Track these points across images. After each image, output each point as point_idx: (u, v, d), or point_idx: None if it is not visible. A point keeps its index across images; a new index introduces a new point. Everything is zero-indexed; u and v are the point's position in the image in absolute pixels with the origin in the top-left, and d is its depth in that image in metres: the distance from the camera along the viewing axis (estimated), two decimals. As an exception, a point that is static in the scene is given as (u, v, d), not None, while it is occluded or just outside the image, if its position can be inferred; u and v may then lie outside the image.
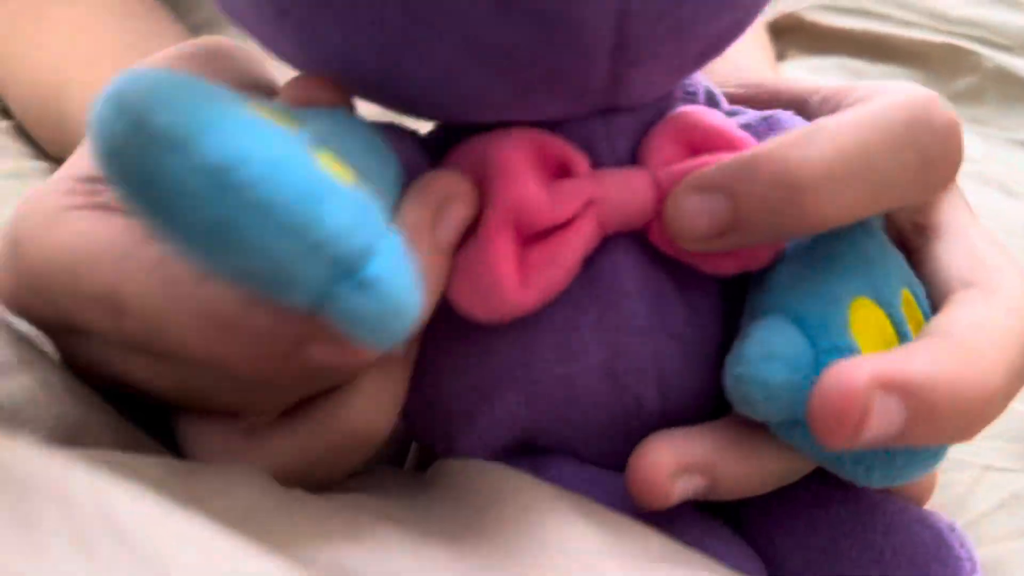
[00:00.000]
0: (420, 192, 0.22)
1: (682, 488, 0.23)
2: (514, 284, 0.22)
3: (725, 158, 0.22)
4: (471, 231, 0.22)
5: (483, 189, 0.22)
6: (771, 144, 0.22)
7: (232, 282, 0.16)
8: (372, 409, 0.22)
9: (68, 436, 0.23)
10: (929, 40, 0.66)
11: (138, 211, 0.16)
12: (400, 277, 0.17)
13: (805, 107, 0.27)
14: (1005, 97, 0.64)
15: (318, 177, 0.16)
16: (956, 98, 0.63)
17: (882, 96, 0.23)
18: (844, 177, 0.21)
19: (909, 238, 0.26)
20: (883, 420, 0.20)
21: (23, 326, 0.26)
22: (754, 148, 0.22)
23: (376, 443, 0.23)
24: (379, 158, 0.21)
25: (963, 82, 0.65)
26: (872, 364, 0.20)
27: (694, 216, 0.22)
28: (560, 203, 0.22)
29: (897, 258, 0.25)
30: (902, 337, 0.23)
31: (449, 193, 0.22)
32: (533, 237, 0.22)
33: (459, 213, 0.22)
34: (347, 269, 0.16)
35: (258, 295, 0.17)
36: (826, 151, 0.21)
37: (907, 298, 0.24)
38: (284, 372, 0.20)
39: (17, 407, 0.23)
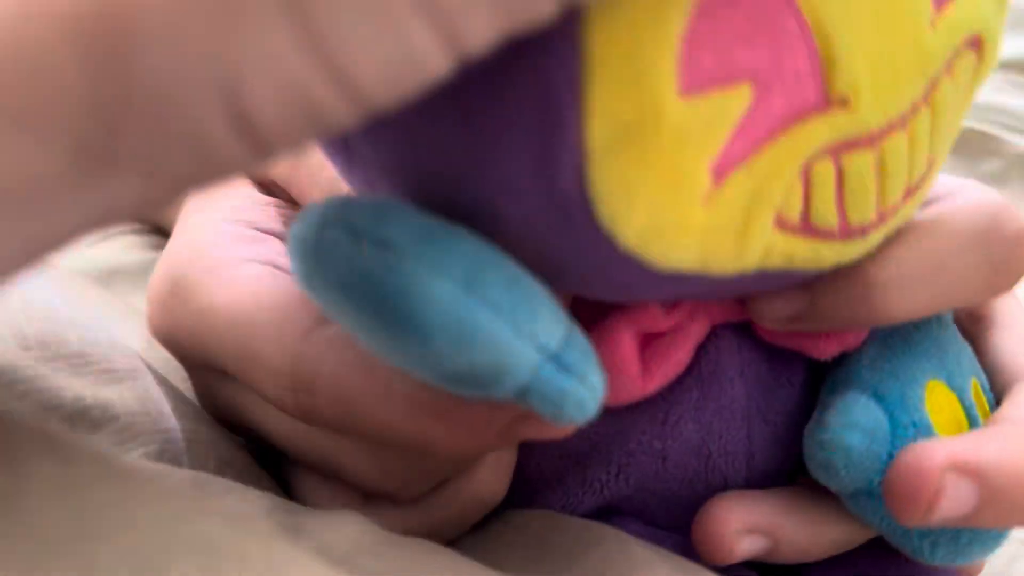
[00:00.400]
0: None
1: (746, 547, 0.24)
2: (638, 376, 0.23)
3: None
4: (596, 326, 0.23)
5: None
6: None
7: (437, 380, 0.18)
8: (494, 477, 0.24)
9: (176, 453, 0.24)
10: (957, 124, 0.68)
11: (366, 329, 0.17)
12: (591, 362, 0.18)
13: None
14: (1028, 180, 0.66)
15: (523, 275, 0.18)
16: (982, 181, 0.65)
17: (955, 199, 0.24)
18: (916, 278, 0.22)
19: (964, 327, 0.28)
20: (955, 501, 0.21)
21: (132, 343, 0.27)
22: None
23: (493, 507, 0.24)
24: None
25: (988, 165, 0.67)
26: (947, 446, 0.21)
27: (772, 300, 0.23)
28: (676, 312, 0.23)
29: (967, 349, 0.26)
30: (971, 421, 0.25)
31: None
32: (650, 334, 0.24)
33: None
34: (553, 355, 0.18)
35: (459, 390, 0.18)
36: (900, 254, 0.22)
37: (976, 388, 0.26)
38: (489, 448, 0.21)
39: (133, 417, 0.24)
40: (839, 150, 0.19)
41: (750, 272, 0.19)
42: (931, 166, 0.21)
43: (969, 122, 0.68)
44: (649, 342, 0.23)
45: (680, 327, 0.24)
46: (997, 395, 0.26)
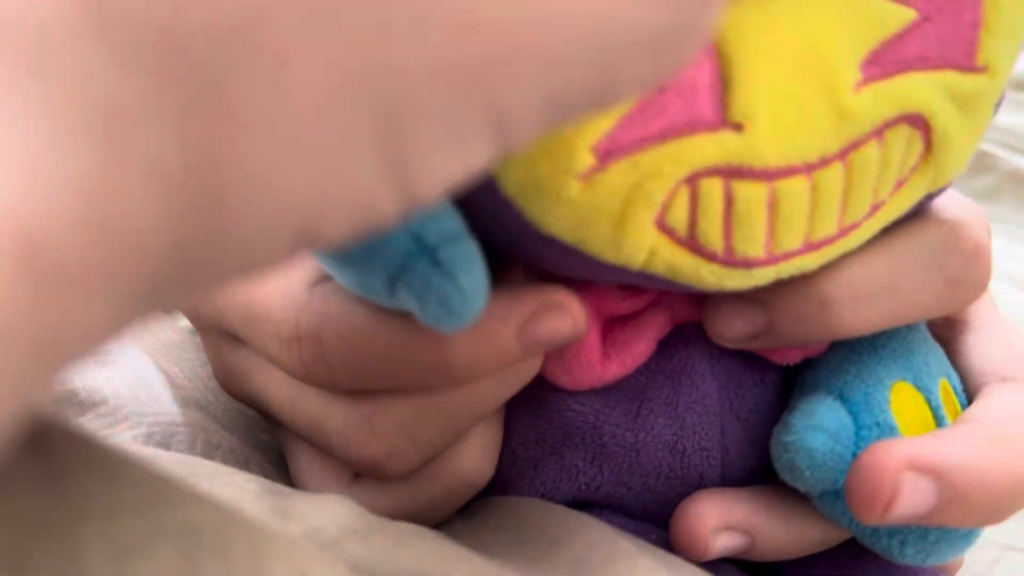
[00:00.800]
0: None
1: (722, 544, 0.24)
2: (598, 359, 0.23)
3: None
4: None
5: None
6: None
7: (328, 253, 0.19)
8: (479, 456, 0.24)
9: (163, 436, 0.24)
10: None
11: None
12: (470, 268, 0.19)
13: None
14: (1020, 196, 0.67)
15: None
16: (975, 196, 0.65)
17: (914, 212, 0.23)
18: (871, 296, 0.22)
19: (939, 331, 0.27)
20: (913, 499, 0.21)
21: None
22: None
23: (479, 488, 0.24)
24: None
25: (982, 181, 0.68)
26: (907, 446, 0.21)
27: (730, 320, 0.23)
28: (634, 296, 0.24)
29: (937, 350, 0.26)
30: (939, 421, 0.25)
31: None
32: (613, 319, 0.24)
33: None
34: (425, 246, 0.18)
35: (343, 271, 0.19)
36: (856, 271, 0.22)
37: (945, 387, 0.26)
38: (509, 357, 0.21)
39: (121, 400, 0.24)
40: (730, 174, 0.19)
41: (634, 270, 0.20)
42: (847, 232, 0.21)
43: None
44: (610, 329, 0.24)
45: (640, 317, 0.24)
46: (970, 398, 0.26)
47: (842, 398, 0.24)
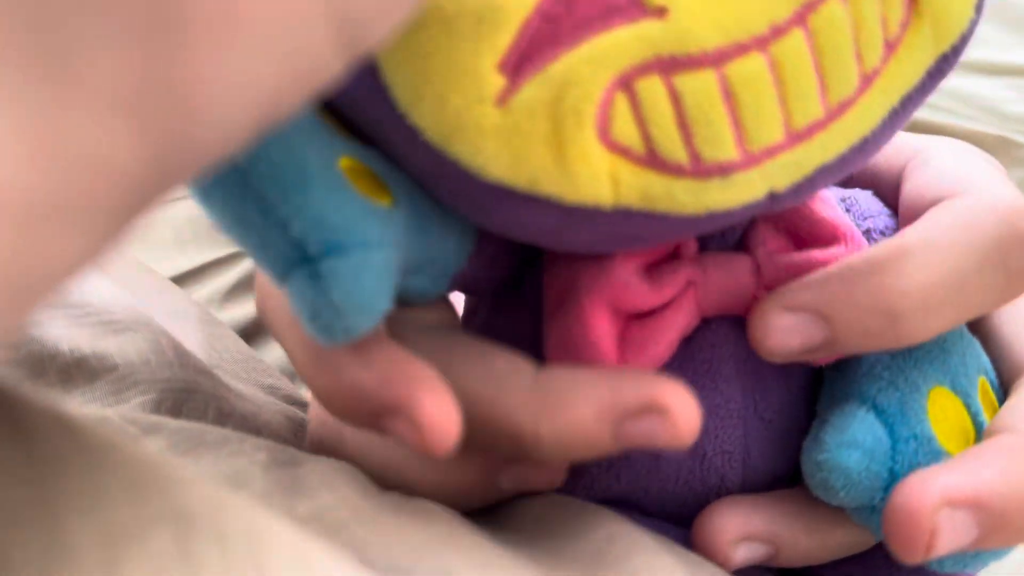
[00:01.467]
0: None
1: (743, 556, 0.24)
2: (613, 361, 0.21)
3: (814, 275, 0.22)
4: (568, 301, 0.22)
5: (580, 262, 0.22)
6: (868, 267, 0.22)
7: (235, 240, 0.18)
8: None
9: (174, 403, 0.24)
10: (983, 131, 0.68)
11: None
12: (353, 284, 0.17)
13: (878, 178, 0.27)
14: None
15: (315, 171, 0.17)
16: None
17: (966, 198, 0.23)
18: (939, 301, 0.21)
19: None
20: (954, 536, 0.20)
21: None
22: (848, 268, 0.22)
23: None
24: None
25: (1012, 173, 0.67)
26: (941, 481, 0.20)
27: (786, 335, 0.22)
28: (659, 287, 0.22)
29: (974, 346, 0.25)
30: (978, 428, 0.24)
31: None
32: (633, 314, 0.22)
33: None
34: (305, 255, 0.17)
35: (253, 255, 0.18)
36: (925, 282, 0.21)
37: (984, 386, 0.24)
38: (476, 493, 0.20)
39: (132, 367, 0.24)
40: (667, 68, 0.17)
41: (608, 208, 0.18)
42: (839, 113, 0.19)
43: (993, 129, 0.68)
44: (628, 329, 0.22)
45: (661, 315, 0.22)
46: (1004, 386, 0.25)
47: (876, 408, 0.23)
